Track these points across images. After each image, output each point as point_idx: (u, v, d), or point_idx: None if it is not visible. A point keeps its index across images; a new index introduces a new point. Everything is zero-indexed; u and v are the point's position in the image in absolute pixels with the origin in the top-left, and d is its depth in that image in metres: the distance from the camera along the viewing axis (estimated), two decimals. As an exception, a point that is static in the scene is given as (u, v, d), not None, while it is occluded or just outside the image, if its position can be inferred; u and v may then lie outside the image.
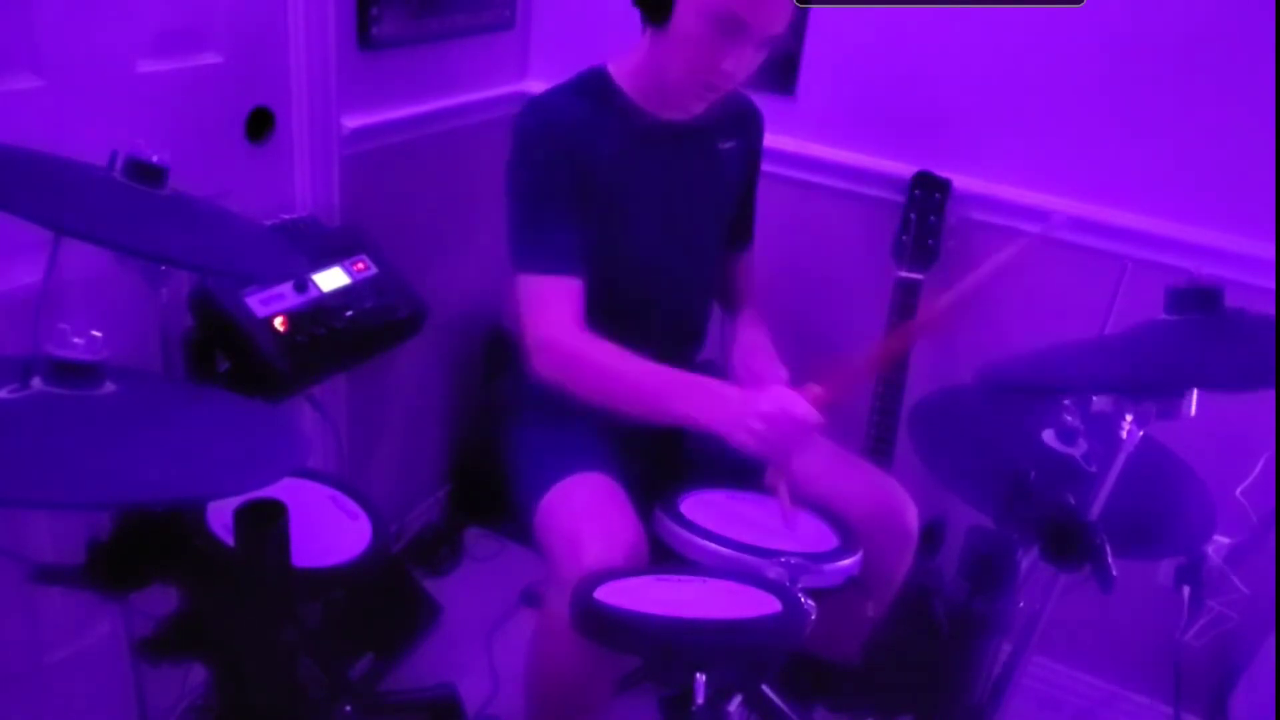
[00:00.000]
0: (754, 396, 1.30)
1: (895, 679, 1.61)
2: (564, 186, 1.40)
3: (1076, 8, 1.65)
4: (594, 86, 1.48)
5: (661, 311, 1.58)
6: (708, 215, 1.60)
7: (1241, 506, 1.64)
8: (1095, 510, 1.14)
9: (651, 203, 1.51)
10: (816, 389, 1.33)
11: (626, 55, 1.47)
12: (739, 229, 1.72)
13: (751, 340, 1.57)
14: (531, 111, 1.44)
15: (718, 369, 1.69)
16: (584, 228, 1.42)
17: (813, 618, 1.15)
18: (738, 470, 1.54)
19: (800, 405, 1.29)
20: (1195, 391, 1.06)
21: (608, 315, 1.45)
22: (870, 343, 1.49)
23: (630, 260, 1.52)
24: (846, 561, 1.29)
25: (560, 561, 1.32)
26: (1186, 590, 1.78)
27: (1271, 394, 1.53)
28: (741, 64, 1.35)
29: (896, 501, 1.46)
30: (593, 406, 1.39)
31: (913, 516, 1.46)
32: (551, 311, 1.39)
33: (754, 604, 1.13)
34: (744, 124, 1.62)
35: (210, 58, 1.51)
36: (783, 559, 1.22)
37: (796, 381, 1.38)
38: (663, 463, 1.61)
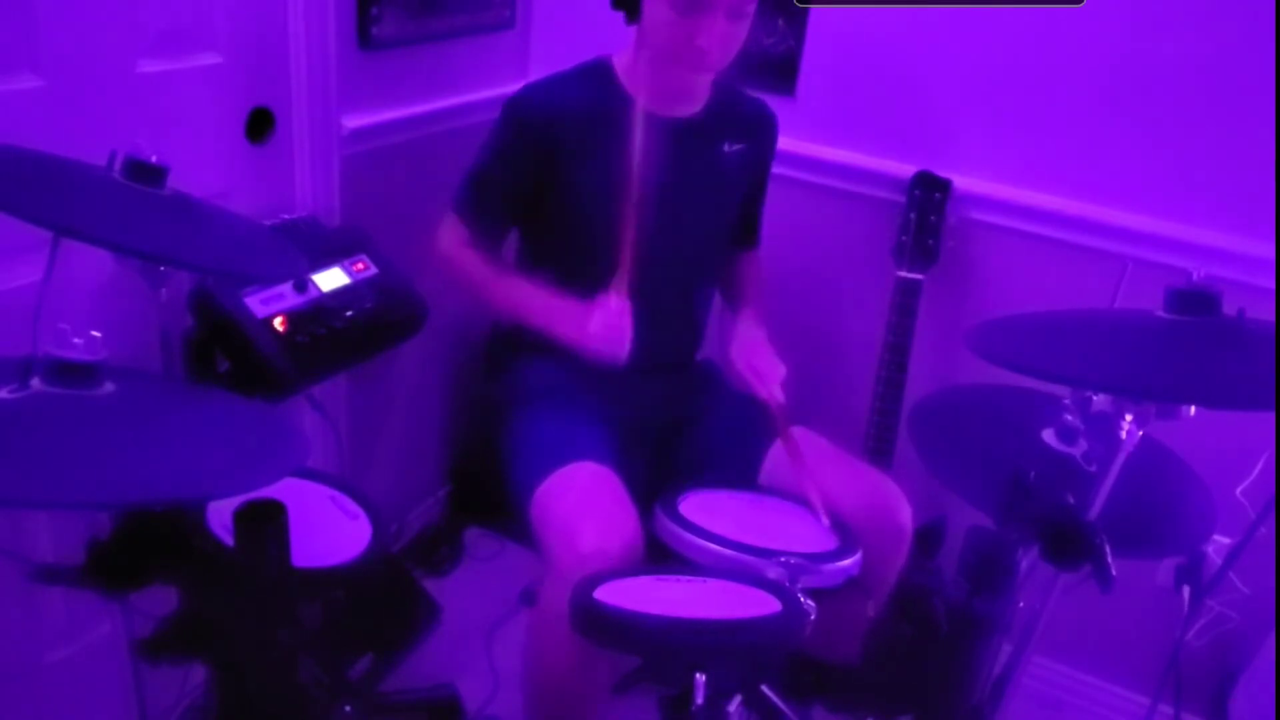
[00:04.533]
0: (589, 309, 1.42)
1: (895, 679, 1.61)
2: (516, 175, 1.51)
3: (1076, 8, 1.66)
4: (595, 75, 1.51)
5: (654, 307, 1.58)
6: (705, 214, 1.60)
7: (1241, 506, 1.64)
8: (1095, 510, 1.14)
9: (645, 197, 1.51)
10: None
11: (625, 51, 1.50)
12: (744, 230, 1.72)
13: (749, 337, 1.57)
14: (522, 96, 1.50)
15: (716, 367, 1.69)
16: (537, 210, 1.54)
17: (812, 618, 1.15)
18: (738, 470, 1.54)
19: (620, 313, 1.40)
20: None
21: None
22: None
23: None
24: (846, 561, 1.29)
25: (555, 550, 1.31)
26: (1186, 590, 1.78)
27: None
28: (715, 37, 1.37)
29: (889, 499, 1.46)
30: (591, 400, 1.39)
31: (906, 514, 1.46)
32: (458, 240, 1.56)
33: (754, 604, 1.13)
34: (754, 129, 1.62)
35: (210, 58, 1.51)
36: (782, 559, 1.22)
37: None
38: (662, 461, 1.61)
